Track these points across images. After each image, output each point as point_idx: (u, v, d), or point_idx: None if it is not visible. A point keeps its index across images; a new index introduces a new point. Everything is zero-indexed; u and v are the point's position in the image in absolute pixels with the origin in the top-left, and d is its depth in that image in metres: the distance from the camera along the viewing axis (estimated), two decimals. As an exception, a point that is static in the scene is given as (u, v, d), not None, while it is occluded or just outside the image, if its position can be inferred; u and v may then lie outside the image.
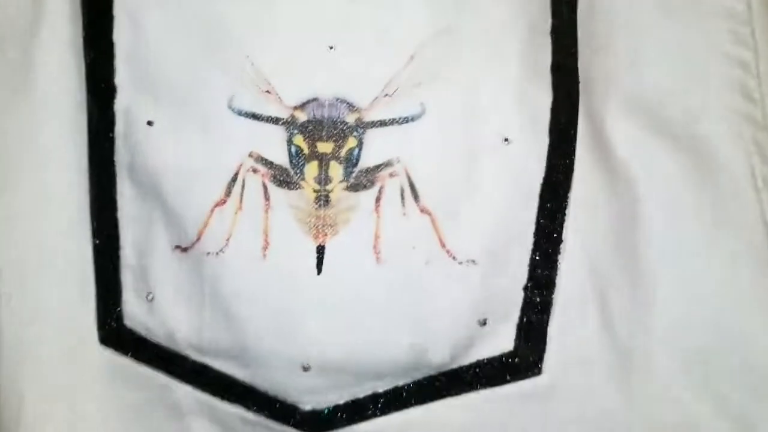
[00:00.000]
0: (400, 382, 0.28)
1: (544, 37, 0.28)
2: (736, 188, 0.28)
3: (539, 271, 0.27)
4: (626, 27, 0.29)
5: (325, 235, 0.26)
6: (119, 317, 0.29)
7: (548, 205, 0.28)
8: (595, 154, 0.28)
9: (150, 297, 0.28)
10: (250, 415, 0.28)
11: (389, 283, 0.26)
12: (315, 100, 0.26)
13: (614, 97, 0.29)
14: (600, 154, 0.28)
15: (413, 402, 0.28)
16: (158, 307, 0.28)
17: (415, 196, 0.26)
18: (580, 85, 0.29)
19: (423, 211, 0.26)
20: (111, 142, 0.28)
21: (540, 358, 0.27)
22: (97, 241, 0.29)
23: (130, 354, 0.29)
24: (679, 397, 0.27)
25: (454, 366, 0.27)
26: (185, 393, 0.29)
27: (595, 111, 0.29)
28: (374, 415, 0.28)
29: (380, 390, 0.28)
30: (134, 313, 0.29)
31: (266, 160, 0.26)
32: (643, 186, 0.28)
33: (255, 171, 0.26)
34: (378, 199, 0.26)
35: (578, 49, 0.29)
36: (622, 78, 0.29)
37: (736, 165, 0.28)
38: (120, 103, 0.28)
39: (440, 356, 0.27)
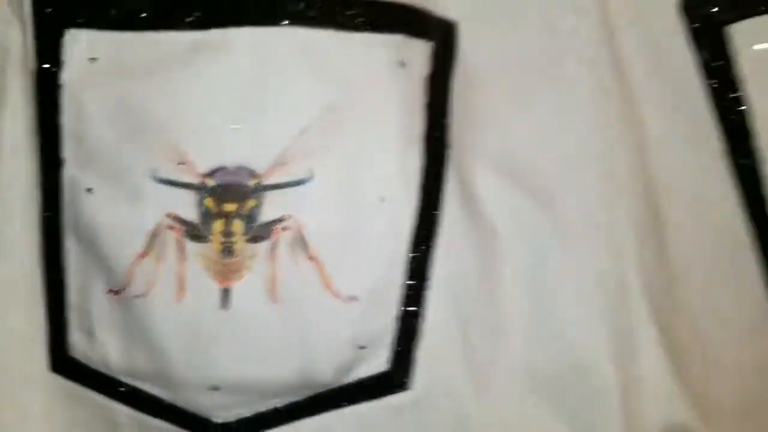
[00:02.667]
0: (295, 398, 0.33)
1: (419, 112, 0.33)
2: (590, 234, 0.33)
3: (409, 305, 0.32)
4: (494, 95, 0.34)
5: (230, 280, 0.31)
6: (65, 349, 0.35)
7: (417, 251, 0.33)
8: (464, 209, 0.34)
9: (90, 332, 0.34)
10: (174, 429, 0.34)
11: (282, 318, 0.31)
12: (222, 168, 0.31)
13: (481, 159, 0.34)
14: (468, 208, 0.34)
15: (306, 414, 0.34)
16: (97, 340, 0.33)
17: (304, 246, 0.31)
18: (453, 149, 0.34)
19: (311, 258, 0.31)
20: (58, 206, 0.33)
21: (408, 377, 0.33)
22: (48, 287, 0.34)
23: (74, 379, 0.35)
24: (532, 413, 0.33)
25: (338, 384, 0.33)
26: (120, 410, 0.35)
27: (465, 171, 0.34)
28: (275, 425, 0.34)
29: (279, 405, 0.33)
30: (78, 345, 0.34)
31: (181, 218, 0.31)
32: (504, 238, 0.33)
33: (171, 228, 0.31)
34: (273, 249, 0.31)
35: (451, 117, 0.34)
36: (489, 141, 0.34)
37: (596, 217, 0.33)
38: (66, 173, 0.33)
39: (325, 377, 0.32)
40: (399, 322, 0.32)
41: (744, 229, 0.30)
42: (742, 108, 0.28)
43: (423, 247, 0.32)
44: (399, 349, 0.32)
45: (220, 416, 0.33)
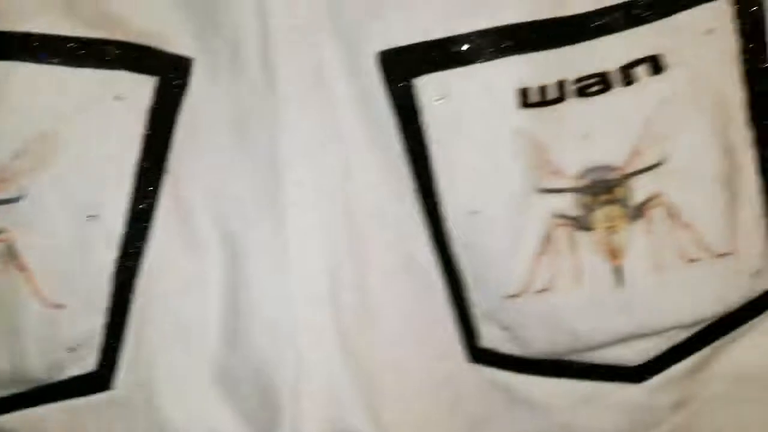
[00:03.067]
0: (20, 389, 0.35)
1: (137, 142, 0.32)
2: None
3: (115, 313, 0.33)
4: (217, 126, 0.34)
5: None
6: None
7: (125, 264, 0.33)
8: (179, 227, 0.34)
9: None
10: None
11: None
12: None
13: (200, 183, 0.35)
14: (183, 226, 0.34)
15: (21, 406, 0.35)
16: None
17: (13, 257, 0.32)
18: (171, 175, 0.34)
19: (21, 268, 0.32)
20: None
21: (112, 378, 0.35)
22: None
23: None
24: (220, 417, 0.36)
25: (52, 380, 0.34)
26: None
27: (182, 194, 0.35)
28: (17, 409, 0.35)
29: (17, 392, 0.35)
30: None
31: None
32: (211, 253, 0.34)
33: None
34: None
35: (171, 147, 0.34)
36: (208, 170, 0.35)
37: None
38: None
39: (39, 374, 0.34)
40: (106, 328, 0.34)
41: (433, 264, 0.33)
42: (427, 154, 0.31)
43: (131, 262, 0.33)
44: (105, 352, 0.34)
45: None
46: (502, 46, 0.29)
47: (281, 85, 0.32)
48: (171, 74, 0.32)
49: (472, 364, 0.34)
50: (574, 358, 0.32)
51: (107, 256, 0.33)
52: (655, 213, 0.30)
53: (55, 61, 0.32)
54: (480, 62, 0.29)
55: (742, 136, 0.31)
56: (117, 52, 0.32)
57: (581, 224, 0.30)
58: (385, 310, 0.33)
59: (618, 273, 0.30)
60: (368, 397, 0.33)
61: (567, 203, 0.30)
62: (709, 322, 0.31)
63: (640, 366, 0.32)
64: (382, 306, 0.33)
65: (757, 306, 0.32)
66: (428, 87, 0.30)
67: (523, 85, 0.29)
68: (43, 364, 0.33)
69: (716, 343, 0.32)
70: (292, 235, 0.32)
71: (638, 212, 0.30)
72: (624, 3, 0.30)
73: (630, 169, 0.30)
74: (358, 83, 0.32)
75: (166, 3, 0.33)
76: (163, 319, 0.34)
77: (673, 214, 0.30)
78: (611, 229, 0.30)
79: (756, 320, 0.32)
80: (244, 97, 0.33)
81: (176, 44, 0.33)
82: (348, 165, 0.33)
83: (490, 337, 0.33)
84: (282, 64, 0.32)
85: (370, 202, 0.33)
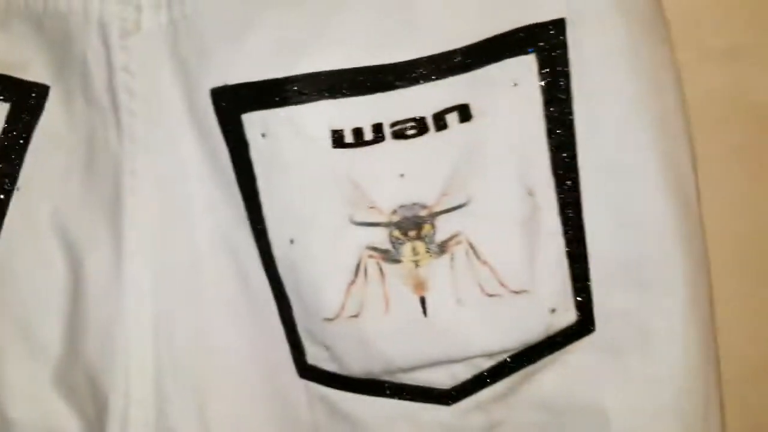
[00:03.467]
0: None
1: None
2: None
3: None
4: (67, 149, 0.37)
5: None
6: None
7: None
8: (26, 234, 0.37)
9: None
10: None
11: None
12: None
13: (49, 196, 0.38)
14: (29, 233, 0.37)
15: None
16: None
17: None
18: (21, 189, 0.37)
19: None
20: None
21: None
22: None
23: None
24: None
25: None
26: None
27: (31, 207, 0.38)
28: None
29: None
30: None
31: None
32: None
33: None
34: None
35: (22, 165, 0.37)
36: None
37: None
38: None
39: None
40: None
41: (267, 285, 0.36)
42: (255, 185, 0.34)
43: None
44: None
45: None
46: (318, 90, 0.31)
47: (124, 118, 0.34)
48: (26, 99, 0.35)
49: (301, 379, 0.36)
50: (389, 378, 0.34)
51: None
52: (457, 250, 0.33)
53: None
54: (297, 104, 0.32)
55: (545, 180, 0.33)
56: None
57: (391, 257, 0.33)
58: (219, 326, 0.36)
59: (423, 304, 0.33)
60: (198, 408, 0.36)
61: (379, 237, 0.33)
62: (513, 352, 0.34)
63: (450, 389, 0.34)
64: (217, 322, 0.36)
65: (557, 340, 0.34)
66: (254, 124, 0.33)
67: (336, 127, 0.32)
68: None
69: (521, 372, 0.34)
70: (128, 257, 0.35)
71: (442, 249, 0.33)
72: (438, 54, 0.32)
73: (438, 208, 0.32)
74: (196, 117, 0.34)
75: (24, 35, 0.35)
76: (10, 324, 0.36)
77: (473, 252, 0.32)
78: (417, 263, 0.33)
79: (558, 353, 0.34)
80: (96, 125, 0.35)
81: (32, 73, 0.35)
82: (189, 193, 0.35)
83: (315, 356, 0.35)
84: (125, 99, 0.34)
85: (211, 227, 0.35)
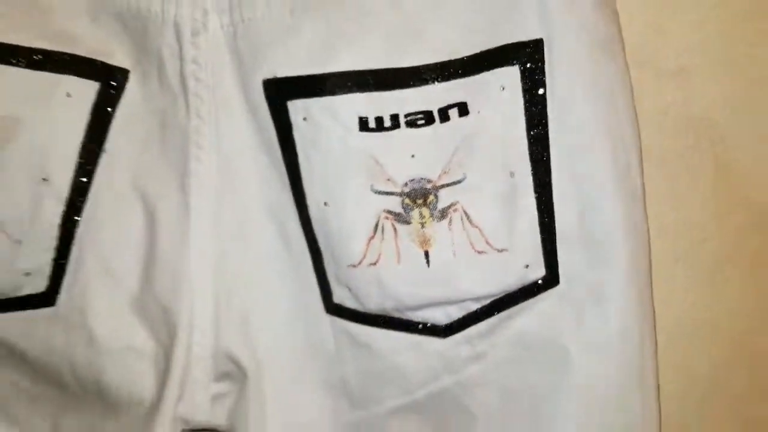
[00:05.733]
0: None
1: (82, 128, 0.44)
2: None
3: (59, 254, 0.45)
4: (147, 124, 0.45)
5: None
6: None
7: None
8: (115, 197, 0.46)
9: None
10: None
11: None
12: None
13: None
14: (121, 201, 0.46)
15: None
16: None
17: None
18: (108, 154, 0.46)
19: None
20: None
21: (55, 298, 0.45)
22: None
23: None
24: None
25: (12, 296, 0.45)
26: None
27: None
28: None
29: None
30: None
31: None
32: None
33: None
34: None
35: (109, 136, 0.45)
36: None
37: None
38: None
39: (2, 290, 0.44)
40: (53, 261, 0.44)
41: (303, 240, 0.44)
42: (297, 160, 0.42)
43: (74, 216, 0.44)
44: (52, 279, 0.45)
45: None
46: (350, 85, 0.39)
47: (192, 99, 0.42)
48: (111, 80, 0.42)
49: (329, 315, 0.45)
50: (399, 315, 0.43)
51: (56, 209, 0.43)
52: (454, 215, 0.41)
53: (22, 64, 0.41)
54: (332, 95, 0.40)
55: (524, 165, 0.41)
56: (68, 61, 0.42)
57: (402, 219, 0.41)
58: (264, 271, 0.44)
59: (427, 256, 0.41)
60: (246, 335, 0.44)
61: (393, 203, 0.41)
62: (495, 297, 0.42)
63: (445, 325, 0.43)
64: (262, 268, 0.44)
65: (530, 290, 0.43)
66: (297, 109, 0.41)
67: (362, 115, 0.40)
68: (5, 283, 0.44)
69: (501, 314, 0.43)
70: (193, 211, 0.43)
71: (442, 214, 0.41)
72: (444, 62, 0.40)
73: (440, 183, 0.41)
74: (250, 102, 0.42)
75: (111, 29, 0.43)
76: (96, 261, 0.44)
77: (466, 218, 0.41)
78: (423, 225, 0.41)
79: (530, 300, 0.43)
80: (168, 105, 0.43)
81: (117, 59, 0.43)
82: (243, 162, 0.43)
83: (340, 296, 0.44)
84: (193, 84, 0.42)
85: (259, 190, 0.44)
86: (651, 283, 0.44)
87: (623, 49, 0.43)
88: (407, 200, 0.41)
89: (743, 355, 0.57)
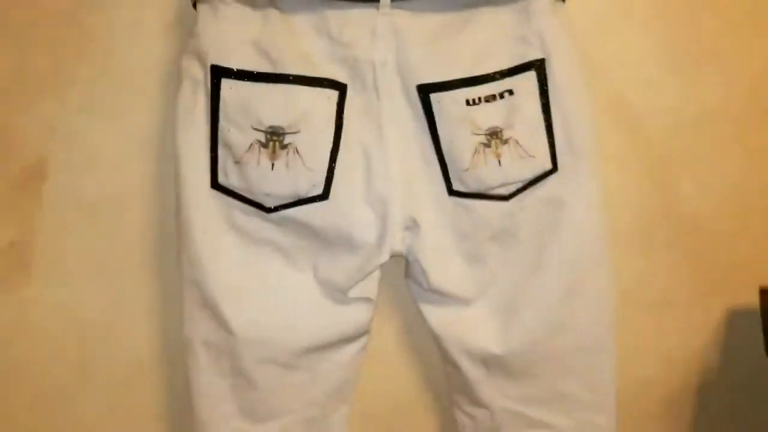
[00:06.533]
0: None
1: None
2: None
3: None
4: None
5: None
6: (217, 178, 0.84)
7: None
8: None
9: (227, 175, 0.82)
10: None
11: None
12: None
13: None
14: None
15: None
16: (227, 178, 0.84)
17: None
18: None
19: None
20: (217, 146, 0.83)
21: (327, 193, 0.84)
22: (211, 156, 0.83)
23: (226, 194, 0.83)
24: None
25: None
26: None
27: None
28: None
29: None
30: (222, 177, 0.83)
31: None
32: None
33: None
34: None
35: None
36: None
37: None
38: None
39: None
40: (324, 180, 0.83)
41: (437, 160, 0.89)
42: (438, 136, 0.85)
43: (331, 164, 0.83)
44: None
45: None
46: (458, 85, 0.84)
47: (380, 94, 0.85)
48: (342, 90, 0.82)
49: (450, 197, 0.86)
50: (486, 192, 0.84)
51: (325, 158, 0.82)
52: (510, 142, 0.86)
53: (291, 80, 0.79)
54: (450, 90, 0.84)
55: (540, 117, 0.86)
56: (322, 81, 0.80)
57: (486, 145, 0.86)
58: (420, 177, 0.86)
59: (499, 161, 0.84)
60: (417, 206, 0.85)
61: (483, 139, 0.85)
62: (528, 180, 0.87)
63: (507, 195, 0.85)
64: (420, 176, 0.86)
65: (544, 175, 0.87)
66: (435, 98, 0.85)
67: (467, 98, 0.85)
68: (304, 191, 0.81)
69: (531, 188, 0.87)
70: (390, 156, 0.83)
71: (505, 141, 0.86)
72: (501, 70, 0.86)
73: (503, 127, 0.86)
74: (409, 97, 0.86)
75: (332, 60, 0.82)
76: (344, 178, 0.82)
77: (516, 143, 0.87)
78: (497, 147, 0.86)
79: (543, 180, 0.88)
80: (369, 100, 0.85)
81: (339, 77, 0.82)
82: (407, 126, 0.86)
83: (456, 185, 0.87)
84: (379, 88, 0.85)
85: (415, 140, 0.87)
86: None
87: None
88: (488, 137, 0.85)
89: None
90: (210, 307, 0.81)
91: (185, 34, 0.90)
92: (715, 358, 1.00)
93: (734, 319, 1.00)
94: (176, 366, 0.93)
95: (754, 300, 0.98)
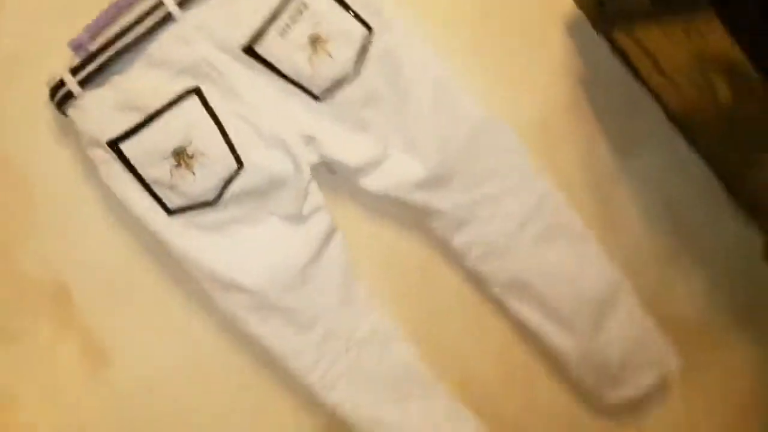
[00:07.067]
0: None
1: None
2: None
3: None
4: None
5: None
6: None
7: None
8: None
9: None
10: None
11: None
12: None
13: None
14: None
15: None
16: None
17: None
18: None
19: None
20: None
21: None
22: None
23: None
24: None
25: None
26: None
27: None
28: None
29: None
30: None
31: None
32: None
33: None
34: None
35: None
36: None
37: None
38: None
39: None
40: None
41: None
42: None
43: None
44: None
45: None
46: (266, 25, 1.03)
47: (224, 76, 0.99)
48: (197, 91, 1.00)
49: (317, 101, 1.05)
50: (340, 78, 1.05)
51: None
52: (328, 36, 1.03)
53: None
54: (266, 36, 1.03)
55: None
56: (177, 98, 0.98)
57: (315, 50, 1.04)
58: (306, 118, 1.06)
59: (329, 54, 1.05)
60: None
61: (309, 49, 1.03)
62: (358, 52, 1.07)
63: (353, 71, 1.07)
64: (304, 117, 1.06)
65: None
66: (260, 50, 1.04)
67: (279, 31, 1.03)
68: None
69: (366, 55, 1.09)
70: (260, 108, 1.02)
71: (325, 41, 1.05)
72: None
73: (317, 31, 1.03)
74: (242, 59, 1.05)
75: (176, 77, 0.99)
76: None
77: (332, 34, 1.03)
78: (317, 49, 1.06)
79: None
80: (220, 84, 1.00)
81: (188, 85, 0.99)
82: (263, 89, 1.03)
83: (315, 90, 1.04)
84: (220, 70, 1.00)
85: (282, 94, 1.04)
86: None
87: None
88: (312, 44, 1.02)
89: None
90: (228, 286, 1.03)
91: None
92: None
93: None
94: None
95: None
